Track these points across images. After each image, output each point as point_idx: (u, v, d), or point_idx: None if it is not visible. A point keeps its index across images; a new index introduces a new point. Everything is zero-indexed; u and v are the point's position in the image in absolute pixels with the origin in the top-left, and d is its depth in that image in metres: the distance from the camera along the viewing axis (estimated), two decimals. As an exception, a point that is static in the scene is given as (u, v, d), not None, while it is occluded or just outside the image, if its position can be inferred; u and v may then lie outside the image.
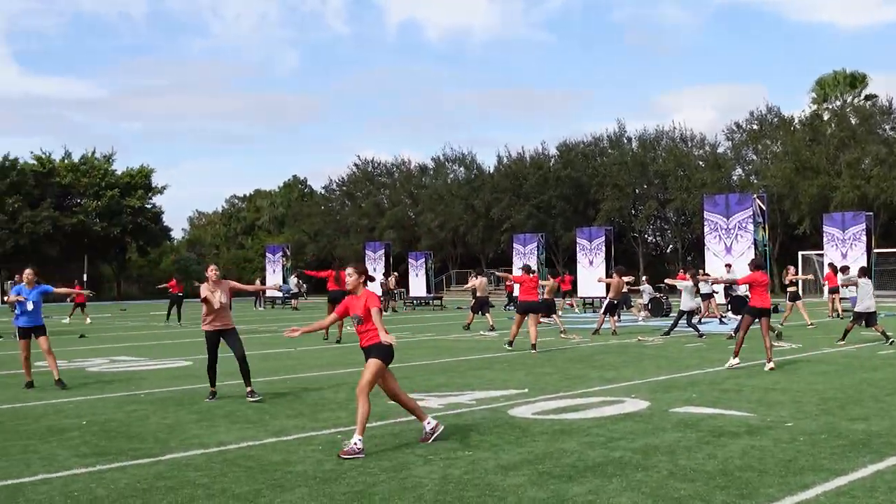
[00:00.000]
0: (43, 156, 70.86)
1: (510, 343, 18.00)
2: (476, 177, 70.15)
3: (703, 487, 6.36)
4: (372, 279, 8.74)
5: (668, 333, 20.76)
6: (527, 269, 19.12)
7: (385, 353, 8.21)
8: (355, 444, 7.62)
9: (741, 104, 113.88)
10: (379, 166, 78.86)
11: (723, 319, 26.18)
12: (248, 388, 11.22)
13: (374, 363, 8.13)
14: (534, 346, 17.43)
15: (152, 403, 11.02)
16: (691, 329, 20.56)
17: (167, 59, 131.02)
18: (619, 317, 23.54)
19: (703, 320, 24.36)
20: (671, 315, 27.10)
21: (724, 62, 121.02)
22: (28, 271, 13.07)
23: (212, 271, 11.63)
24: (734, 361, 14.02)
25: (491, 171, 69.86)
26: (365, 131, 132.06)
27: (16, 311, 13.02)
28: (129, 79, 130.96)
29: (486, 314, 25.01)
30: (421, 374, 13.83)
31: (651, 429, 8.69)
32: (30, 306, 12.84)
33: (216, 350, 11.50)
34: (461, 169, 72.74)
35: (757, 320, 14.33)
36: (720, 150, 60.46)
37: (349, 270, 8.60)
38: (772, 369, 13.49)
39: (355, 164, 79.37)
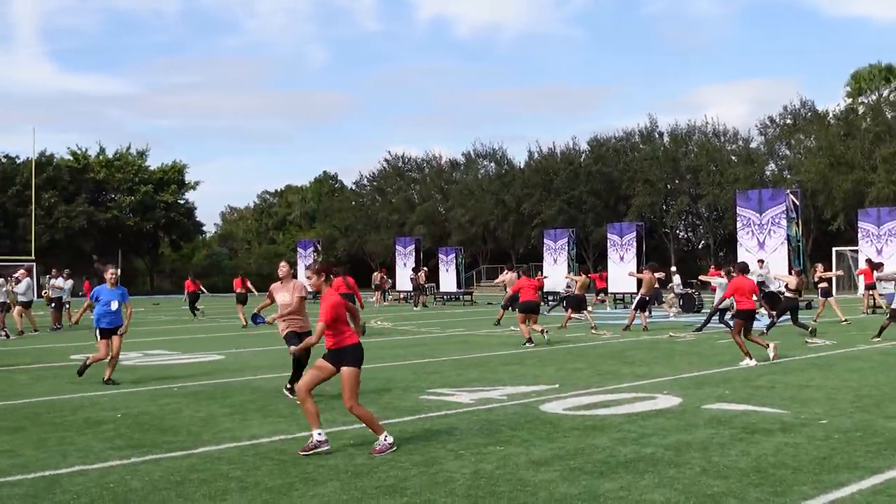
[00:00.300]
0: (78, 151, 71.69)
1: (528, 341, 17.97)
2: (506, 172, 70.07)
3: (736, 484, 6.32)
4: (336, 274, 8.49)
5: (700, 330, 20.63)
6: (527, 272, 19.59)
7: (358, 358, 7.76)
8: (384, 440, 7.59)
9: (774, 99, 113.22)
10: (409, 162, 79.05)
11: (756, 316, 25.93)
12: (290, 385, 10.75)
13: (349, 373, 7.65)
14: (529, 340, 17.86)
15: (185, 397, 11.12)
16: (723, 326, 20.41)
17: (200, 57, 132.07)
18: (649, 313, 23.42)
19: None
20: (703, 311, 26.92)
21: (757, 56, 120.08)
22: (112, 271, 12.83)
23: (281, 268, 11.21)
24: (751, 363, 13.86)
25: (521, 167, 69.78)
26: (395, 127, 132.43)
27: (94, 312, 12.74)
28: (162, 76, 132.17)
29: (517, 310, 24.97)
30: (452, 369, 13.85)
31: (683, 425, 8.64)
32: (114, 306, 12.63)
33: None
34: (492, 164, 72.72)
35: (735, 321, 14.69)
36: (753, 144, 60.00)
37: (307, 274, 8.20)
38: (750, 366, 13.61)
39: (385, 160, 79.62)
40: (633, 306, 23.46)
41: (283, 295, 10.97)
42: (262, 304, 11.35)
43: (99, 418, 9.56)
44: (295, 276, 11.26)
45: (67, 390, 11.88)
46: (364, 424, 7.80)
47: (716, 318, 20.63)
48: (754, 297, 14.92)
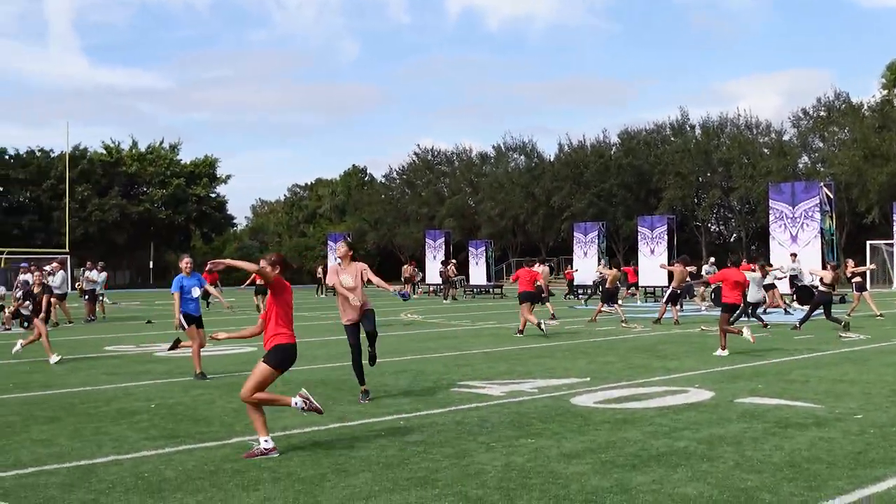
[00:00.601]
0: (111, 145, 72.36)
1: (520, 331, 18.86)
2: (536, 165, 69.86)
3: (770, 479, 6.27)
4: (290, 267, 7.91)
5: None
6: (529, 264, 22.13)
7: (280, 360, 7.47)
8: (263, 443, 7.25)
9: (808, 90, 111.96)
10: (439, 155, 79.00)
11: (787, 310, 25.74)
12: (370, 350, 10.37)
13: (261, 368, 7.43)
14: (521, 331, 18.74)
15: (218, 388, 11.20)
16: (755, 319, 20.26)
17: (230, 50, 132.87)
18: (681, 306, 23.29)
19: (767, 310, 23.98)
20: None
21: (790, 47, 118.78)
22: (187, 259, 12.82)
23: (340, 249, 10.31)
24: (723, 353, 14.45)
25: (551, 160, 69.51)
26: (425, 120, 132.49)
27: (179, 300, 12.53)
28: (193, 70, 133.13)
29: (546, 303, 24.92)
30: (483, 362, 13.85)
31: (716, 419, 8.59)
32: (196, 293, 12.63)
33: (359, 342, 10.23)
34: (521, 157, 72.50)
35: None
36: (786, 137, 59.33)
37: (262, 263, 7.68)
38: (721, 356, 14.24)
39: (415, 153, 79.61)
40: (663, 300, 23.33)
41: (346, 278, 10.09)
42: (331, 284, 10.22)
43: (133, 409, 9.66)
44: (354, 259, 10.35)
45: (102, 381, 12.00)
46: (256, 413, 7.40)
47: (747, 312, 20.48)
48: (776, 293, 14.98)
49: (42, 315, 15.33)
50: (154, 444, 7.69)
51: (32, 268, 25.30)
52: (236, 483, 6.33)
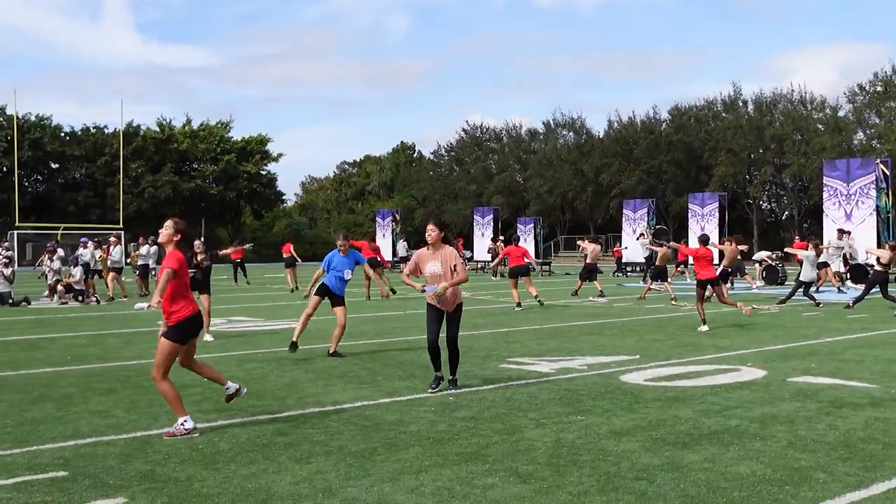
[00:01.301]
0: (164, 122, 73.22)
1: (518, 304, 19.75)
2: (586, 141, 69.34)
3: (824, 459, 6.20)
4: (190, 241, 7.72)
5: (783, 302, 20.23)
6: (516, 240, 22.77)
7: (175, 332, 7.28)
8: (181, 423, 7.15)
9: (864, 65, 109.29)
10: (487, 131, 78.74)
11: (841, 288, 25.35)
12: (451, 377, 9.41)
13: (162, 343, 7.29)
14: (518, 304, 19.65)
15: (269, 362, 11.33)
16: (807, 299, 19.98)
17: (281, 26, 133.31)
18: (731, 285, 23.03)
19: (820, 289, 23.63)
20: (787, 284, 26.37)
21: (846, 20, 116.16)
22: (341, 240, 12.29)
23: (430, 233, 9.14)
24: (703, 328, 14.90)
25: (601, 136, 68.98)
26: (474, 96, 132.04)
27: (324, 279, 12.25)
28: (244, 46, 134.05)
29: (595, 281, 24.78)
30: (532, 339, 13.84)
31: (768, 398, 8.50)
32: (348, 275, 12.28)
33: (437, 328, 9.31)
34: (570, 134, 72.00)
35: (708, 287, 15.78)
36: (841, 113, 58.12)
37: (167, 223, 7.46)
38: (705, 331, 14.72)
39: (464, 130, 79.43)
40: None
41: (434, 265, 9.09)
42: (405, 272, 9.41)
43: (186, 382, 9.78)
44: (447, 242, 9.36)
45: (154, 355, 12.18)
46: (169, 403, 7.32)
47: (800, 290, 20.20)
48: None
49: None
50: (207, 417, 7.81)
51: (91, 243, 25.78)
52: (288, 456, 6.41)
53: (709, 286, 15.80)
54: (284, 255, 29.86)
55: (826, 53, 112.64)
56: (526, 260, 21.32)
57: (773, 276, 29.06)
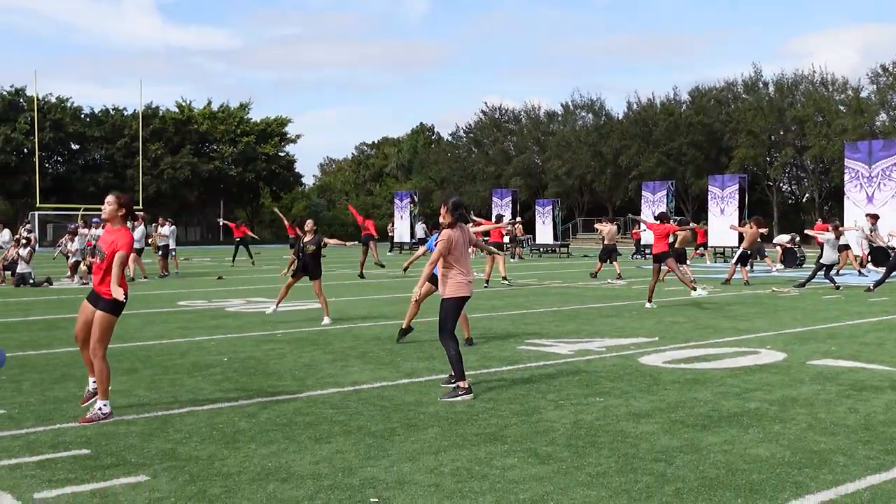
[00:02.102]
0: (184, 103, 73.37)
1: (504, 278, 21.57)
2: (604, 123, 69.07)
3: (844, 441, 6.18)
4: (135, 217, 7.24)
5: (803, 285, 20.12)
6: (498, 218, 24.10)
7: (114, 306, 7.05)
8: (101, 407, 6.97)
9: (887, 45, 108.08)
10: (506, 113, 78.51)
11: (862, 271, 25.18)
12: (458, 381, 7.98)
13: (102, 318, 7.01)
14: (486, 283, 20.76)
15: (288, 343, 11.38)
16: (828, 281, 19.87)
17: (300, 8, 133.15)
18: (751, 267, 22.91)
19: (840, 272, 23.48)
20: (805, 266, 26.22)
21: (865, 1, 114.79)
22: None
23: (443, 212, 8.44)
24: (648, 305, 15.74)
25: (620, 118, 68.67)
26: (493, 78, 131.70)
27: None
28: (263, 28, 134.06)
29: (614, 262, 24.73)
30: (550, 321, 13.83)
31: (788, 381, 8.47)
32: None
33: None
34: (589, 115, 71.72)
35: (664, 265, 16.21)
36: (863, 94, 57.59)
37: (109, 198, 7.19)
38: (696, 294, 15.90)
39: (482, 111, 79.29)
40: (733, 260, 22.98)
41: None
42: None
43: (206, 362, 9.87)
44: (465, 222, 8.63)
45: (176, 335, 12.28)
46: (99, 383, 7.06)
47: (821, 273, 20.09)
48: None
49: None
50: (227, 397, 7.86)
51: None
52: (308, 436, 6.45)
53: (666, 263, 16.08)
54: (364, 235, 27.07)
55: (847, 34, 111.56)
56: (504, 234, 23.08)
57: (791, 259, 28.87)
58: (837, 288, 19.34)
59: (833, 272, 20.77)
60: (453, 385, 7.94)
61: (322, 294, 13.68)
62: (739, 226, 26.87)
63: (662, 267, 16.21)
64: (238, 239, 32.54)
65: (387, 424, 6.78)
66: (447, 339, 7.99)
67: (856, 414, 7.03)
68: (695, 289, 16.12)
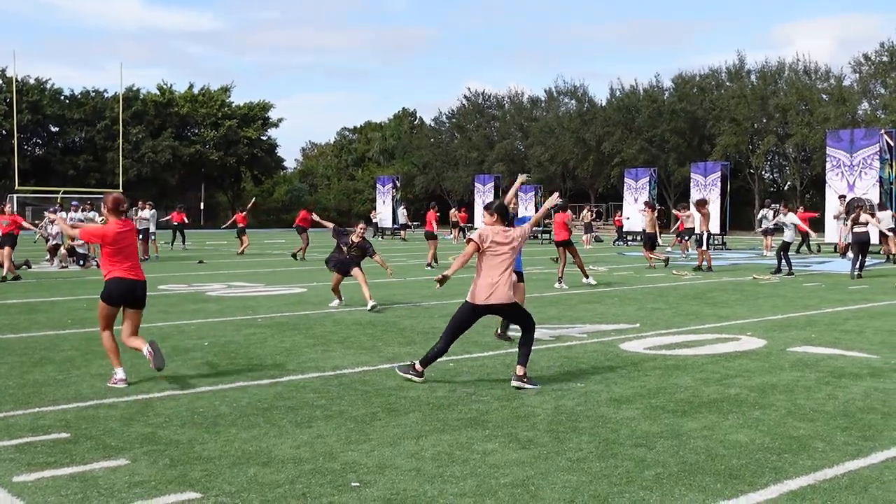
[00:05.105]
0: (165, 86, 72.85)
1: (429, 265, 22.67)
2: (587, 110, 69.09)
3: (823, 427, 6.22)
4: (124, 212, 7.92)
5: (779, 271, 20.20)
6: (433, 206, 26.68)
7: (103, 293, 7.82)
8: (117, 374, 7.70)
9: (869, 35, 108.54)
10: (489, 99, 78.43)
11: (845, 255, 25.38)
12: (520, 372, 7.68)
13: (99, 303, 7.94)
14: (429, 265, 22.45)
15: (269, 327, 11.34)
16: (784, 261, 20.13)
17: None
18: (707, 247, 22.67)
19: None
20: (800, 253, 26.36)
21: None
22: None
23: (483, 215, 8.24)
24: (558, 286, 17.03)
25: (603, 104, 68.70)
26: (475, 63, 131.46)
27: None
28: (245, 12, 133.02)
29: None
30: (532, 307, 13.76)
31: (768, 367, 8.52)
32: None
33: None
34: (572, 102, 71.76)
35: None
36: (846, 83, 57.84)
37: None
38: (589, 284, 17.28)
39: (465, 97, 79.24)
40: (698, 247, 22.83)
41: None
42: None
43: (187, 346, 9.83)
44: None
45: (156, 319, 12.20)
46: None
47: (793, 253, 20.23)
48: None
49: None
50: (208, 381, 7.83)
51: (85, 207, 25.71)
52: (289, 420, 6.43)
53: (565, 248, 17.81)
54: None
55: (830, 23, 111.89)
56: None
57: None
58: (778, 272, 19.76)
59: (791, 253, 21.29)
60: (413, 363, 7.92)
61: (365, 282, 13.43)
62: (682, 212, 27.04)
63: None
64: (176, 224, 32.63)
65: (368, 409, 6.78)
66: (446, 337, 7.90)
67: (835, 400, 7.07)
68: (588, 276, 17.69)
